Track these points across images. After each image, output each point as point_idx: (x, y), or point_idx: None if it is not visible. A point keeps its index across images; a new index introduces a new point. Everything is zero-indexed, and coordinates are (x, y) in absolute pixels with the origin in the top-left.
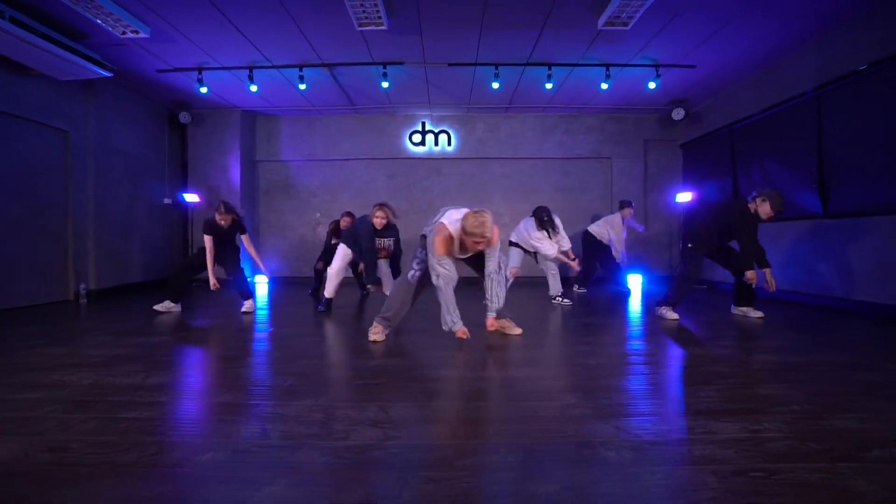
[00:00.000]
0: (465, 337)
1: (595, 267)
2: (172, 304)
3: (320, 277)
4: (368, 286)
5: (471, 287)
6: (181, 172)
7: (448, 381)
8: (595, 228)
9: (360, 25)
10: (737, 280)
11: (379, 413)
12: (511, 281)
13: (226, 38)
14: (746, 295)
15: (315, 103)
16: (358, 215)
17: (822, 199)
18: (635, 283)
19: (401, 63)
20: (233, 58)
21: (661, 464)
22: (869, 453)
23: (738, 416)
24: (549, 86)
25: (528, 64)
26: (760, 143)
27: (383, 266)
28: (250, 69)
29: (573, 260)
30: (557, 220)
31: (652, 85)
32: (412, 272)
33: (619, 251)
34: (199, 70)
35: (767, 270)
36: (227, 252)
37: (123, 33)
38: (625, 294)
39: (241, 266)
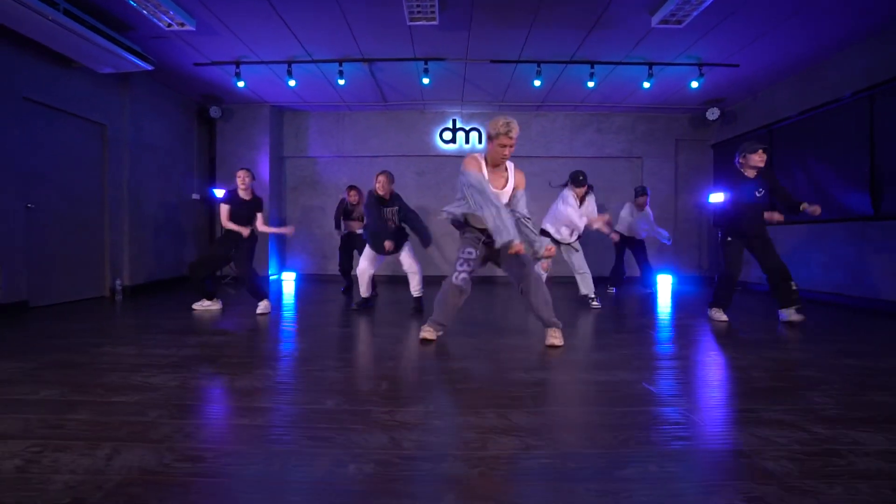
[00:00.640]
0: (521, 251)
1: (623, 267)
2: (209, 302)
3: (348, 276)
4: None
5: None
6: (209, 167)
7: (545, 385)
8: (618, 227)
9: (412, 20)
10: (770, 281)
11: (502, 420)
12: (545, 276)
13: (269, 32)
14: (787, 296)
15: (346, 99)
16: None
17: (874, 199)
18: (665, 283)
19: (443, 59)
20: (273, 52)
21: (825, 475)
22: None
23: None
24: (591, 84)
25: (570, 62)
26: (803, 144)
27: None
28: (289, 63)
29: (608, 226)
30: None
31: (695, 84)
32: (457, 273)
33: (655, 230)
34: (237, 64)
35: (804, 204)
36: (241, 244)
37: (169, 26)
38: (651, 295)
39: (252, 265)
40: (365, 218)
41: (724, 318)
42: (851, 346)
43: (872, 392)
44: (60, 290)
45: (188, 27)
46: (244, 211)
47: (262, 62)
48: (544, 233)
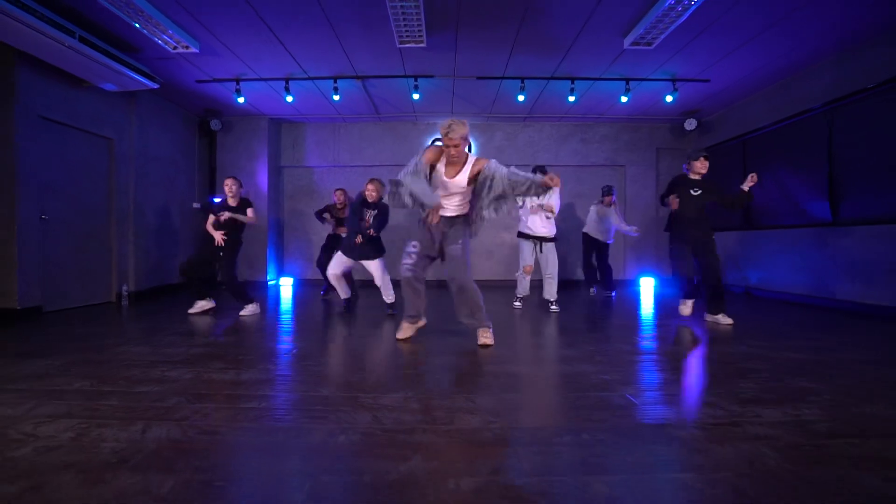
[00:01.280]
0: (436, 220)
1: (608, 267)
2: (205, 303)
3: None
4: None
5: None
6: (210, 177)
7: (512, 376)
8: (588, 228)
9: (401, 43)
10: (705, 285)
11: (468, 402)
12: (527, 280)
13: (268, 52)
14: (717, 301)
15: (342, 112)
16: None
17: (832, 207)
18: (647, 286)
19: (431, 76)
20: (271, 69)
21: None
22: None
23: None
24: (571, 98)
25: (552, 78)
26: (772, 154)
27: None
28: (287, 80)
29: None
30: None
31: (669, 98)
32: (405, 265)
33: (623, 226)
34: (238, 81)
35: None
36: (224, 249)
37: (175, 48)
38: (610, 298)
39: (235, 272)
40: (347, 217)
41: (729, 320)
42: (797, 343)
43: (792, 379)
44: (71, 296)
45: (192, 49)
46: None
47: (261, 79)
48: (521, 235)
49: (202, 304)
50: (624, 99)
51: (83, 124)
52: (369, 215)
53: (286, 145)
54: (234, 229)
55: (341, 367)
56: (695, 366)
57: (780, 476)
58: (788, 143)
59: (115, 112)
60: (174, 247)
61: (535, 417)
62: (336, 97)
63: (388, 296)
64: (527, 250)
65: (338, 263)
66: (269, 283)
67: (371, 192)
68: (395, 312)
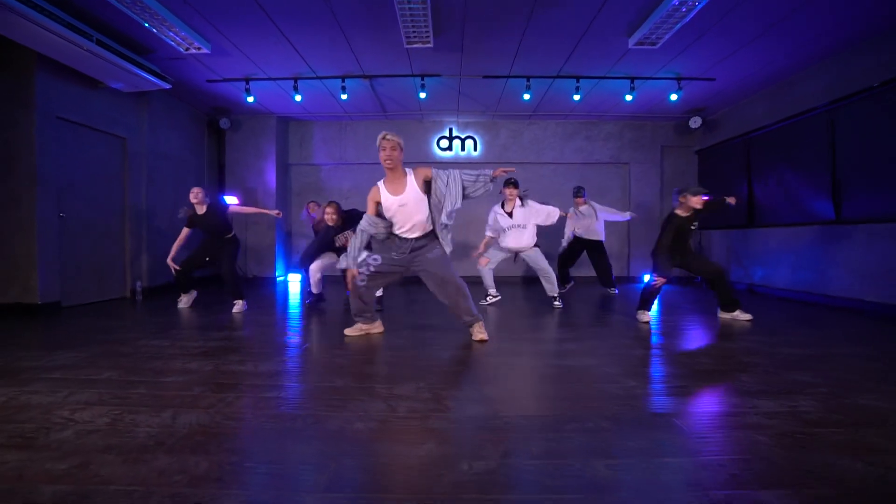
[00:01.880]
0: (356, 277)
1: (608, 265)
2: (186, 296)
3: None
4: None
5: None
6: (218, 175)
7: (519, 368)
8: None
9: (409, 43)
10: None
11: (476, 392)
12: (489, 272)
13: (277, 52)
14: (728, 300)
15: (349, 110)
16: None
17: (836, 205)
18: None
19: (438, 75)
20: (280, 69)
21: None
22: (887, 421)
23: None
24: (576, 97)
25: (557, 77)
26: (776, 152)
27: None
28: (295, 80)
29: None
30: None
31: (674, 97)
32: (360, 275)
33: (614, 216)
34: (247, 80)
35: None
36: (224, 247)
37: (187, 49)
38: (612, 296)
39: (235, 268)
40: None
41: (748, 315)
42: (798, 339)
43: (789, 372)
44: (88, 292)
45: (204, 50)
46: (202, 224)
47: (270, 79)
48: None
49: (190, 297)
50: (629, 98)
51: (98, 124)
52: (344, 237)
53: (294, 143)
54: (224, 230)
55: (352, 359)
56: (697, 360)
57: (772, 460)
58: (792, 142)
59: (127, 112)
60: (186, 244)
61: (541, 405)
62: (344, 96)
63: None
64: (491, 252)
65: (324, 266)
66: (278, 279)
67: (331, 216)
68: (380, 308)
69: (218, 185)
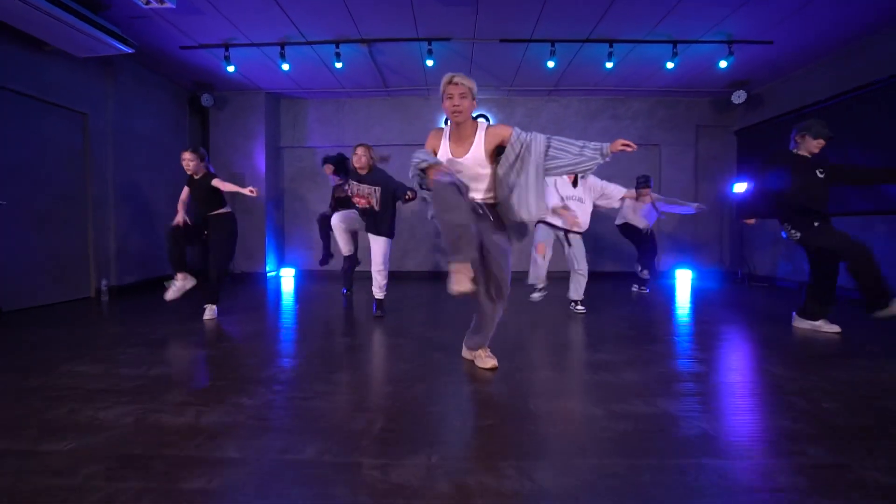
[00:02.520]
0: (439, 177)
1: (654, 248)
2: (181, 279)
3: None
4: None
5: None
6: None
7: (574, 421)
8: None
9: None
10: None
11: (521, 474)
12: (544, 263)
13: (258, 10)
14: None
15: (345, 85)
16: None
17: None
18: (683, 279)
19: (448, 39)
20: (263, 33)
21: None
22: None
23: None
24: (609, 65)
25: (587, 40)
26: (840, 130)
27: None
28: (282, 45)
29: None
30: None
31: (724, 63)
32: (439, 174)
33: (687, 207)
34: (226, 47)
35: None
36: (218, 235)
37: (147, 3)
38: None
39: (227, 264)
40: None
41: (836, 328)
42: (863, 359)
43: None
44: (41, 293)
45: (168, 4)
46: (195, 191)
47: (252, 44)
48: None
49: (182, 284)
50: (670, 65)
51: (50, 96)
52: (367, 190)
53: (286, 124)
54: (215, 202)
55: (335, 401)
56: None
57: None
58: (860, 116)
59: (88, 83)
60: (163, 236)
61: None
62: (338, 65)
63: (379, 290)
64: (542, 231)
65: (348, 219)
66: (269, 274)
67: (360, 158)
68: (383, 315)
69: None
